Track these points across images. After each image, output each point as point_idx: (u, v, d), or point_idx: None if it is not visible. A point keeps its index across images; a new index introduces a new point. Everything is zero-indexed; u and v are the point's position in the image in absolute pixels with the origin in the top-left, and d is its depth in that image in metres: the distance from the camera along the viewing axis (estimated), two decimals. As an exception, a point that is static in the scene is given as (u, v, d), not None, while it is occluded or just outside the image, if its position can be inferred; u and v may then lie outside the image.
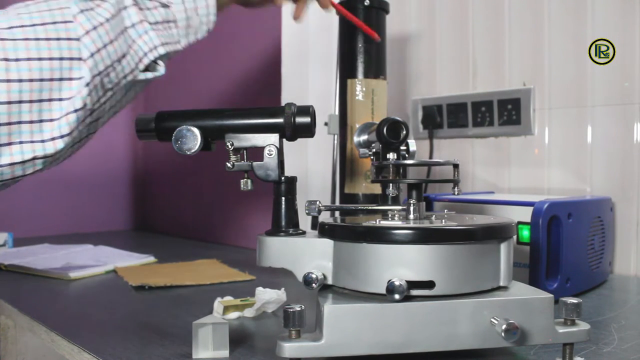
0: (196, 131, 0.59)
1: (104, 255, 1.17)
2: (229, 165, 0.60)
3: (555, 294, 0.49)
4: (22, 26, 0.48)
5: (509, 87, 1.05)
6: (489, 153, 1.09)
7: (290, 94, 1.28)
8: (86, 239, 1.40)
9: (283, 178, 0.59)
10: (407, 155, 0.68)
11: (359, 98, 0.82)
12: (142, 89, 0.63)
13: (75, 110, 0.51)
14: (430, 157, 1.14)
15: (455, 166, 0.56)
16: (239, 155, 0.61)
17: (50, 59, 0.49)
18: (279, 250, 0.54)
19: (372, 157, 0.66)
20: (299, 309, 0.44)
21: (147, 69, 0.60)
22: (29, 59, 0.47)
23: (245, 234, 1.39)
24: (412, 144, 0.69)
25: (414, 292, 0.46)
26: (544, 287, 0.67)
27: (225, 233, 1.47)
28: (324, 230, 0.52)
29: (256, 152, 0.61)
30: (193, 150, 0.60)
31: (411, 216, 0.53)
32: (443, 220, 0.51)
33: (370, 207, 0.62)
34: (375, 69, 0.84)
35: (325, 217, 0.59)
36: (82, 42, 0.51)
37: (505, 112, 1.04)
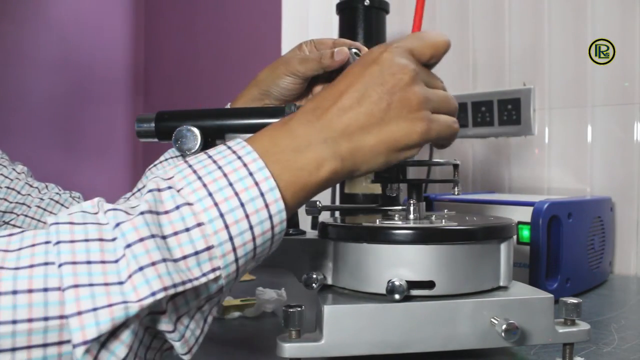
0: (196, 131, 0.59)
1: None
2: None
3: (555, 294, 0.49)
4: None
5: (509, 87, 1.05)
6: (489, 153, 1.09)
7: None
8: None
9: (283, 178, 0.59)
10: (407, 155, 0.68)
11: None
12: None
13: None
14: (430, 157, 1.14)
15: (456, 166, 0.56)
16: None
17: None
18: (279, 251, 0.54)
19: (372, 157, 0.66)
20: (299, 309, 0.44)
21: None
22: None
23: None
24: (412, 144, 0.69)
25: (414, 292, 0.46)
26: (544, 287, 0.67)
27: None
28: (324, 230, 0.52)
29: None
30: (193, 150, 0.60)
31: (411, 216, 0.53)
32: (443, 220, 0.51)
33: (370, 207, 0.62)
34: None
35: (325, 217, 0.59)
36: None
37: (505, 112, 1.04)
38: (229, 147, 0.38)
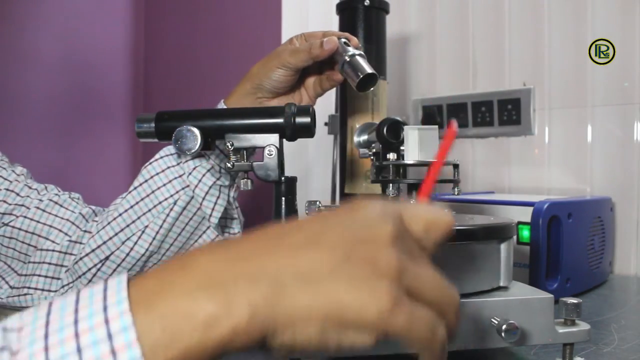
0: (196, 131, 0.59)
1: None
2: (229, 165, 0.60)
3: (555, 294, 0.49)
4: None
5: (509, 87, 1.05)
6: (489, 153, 1.09)
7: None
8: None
9: (283, 178, 0.59)
10: (407, 155, 0.68)
11: (359, 98, 0.82)
12: None
13: None
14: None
15: (455, 166, 0.56)
16: (239, 155, 0.61)
17: None
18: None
19: (372, 157, 0.66)
20: (299, 309, 0.44)
21: None
22: None
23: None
24: (412, 144, 0.69)
25: (414, 292, 0.46)
26: (544, 287, 0.67)
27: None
28: (324, 231, 0.52)
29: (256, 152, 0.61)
30: (193, 151, 0.60)
31: (411, 216, 0.53)
32: (443, 220, 0.51)
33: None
34: (375, 69, 0.83)
35: (325, 217, 0.59)
36: None
37: (505, 112, 1.04)
38: (105, 288, 0.28)
